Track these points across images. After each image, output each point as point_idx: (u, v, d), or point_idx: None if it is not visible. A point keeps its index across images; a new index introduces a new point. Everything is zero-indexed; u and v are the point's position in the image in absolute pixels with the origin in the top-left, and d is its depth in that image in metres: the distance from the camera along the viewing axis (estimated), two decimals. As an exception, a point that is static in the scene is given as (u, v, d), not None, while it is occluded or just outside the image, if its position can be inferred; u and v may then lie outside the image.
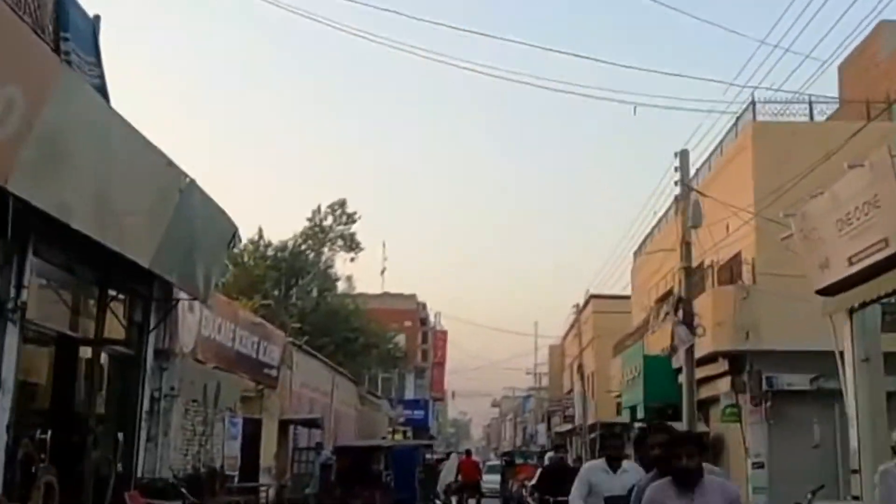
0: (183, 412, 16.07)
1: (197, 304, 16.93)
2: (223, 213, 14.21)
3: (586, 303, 45.44)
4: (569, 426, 52.60)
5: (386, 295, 68.31)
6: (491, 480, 35.43)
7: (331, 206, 43.85)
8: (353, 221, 44.03)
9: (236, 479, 19.66)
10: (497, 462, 44.77)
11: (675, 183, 21.46)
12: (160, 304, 15.08)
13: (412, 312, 72.37)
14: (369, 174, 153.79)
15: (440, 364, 76.77)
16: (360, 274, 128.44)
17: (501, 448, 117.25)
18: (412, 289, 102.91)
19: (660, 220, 31.28)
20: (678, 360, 22.11)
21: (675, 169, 21.36)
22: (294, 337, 30.28)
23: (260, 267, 40.80)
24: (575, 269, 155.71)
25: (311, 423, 25.90)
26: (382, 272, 70.41)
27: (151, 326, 15.07)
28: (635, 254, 38.24)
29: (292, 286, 41.63)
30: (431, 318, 76.38)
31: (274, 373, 24.35)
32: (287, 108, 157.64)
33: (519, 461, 37.31)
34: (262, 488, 18.57)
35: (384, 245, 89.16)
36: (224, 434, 19.03)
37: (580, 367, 44.24)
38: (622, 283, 46.98)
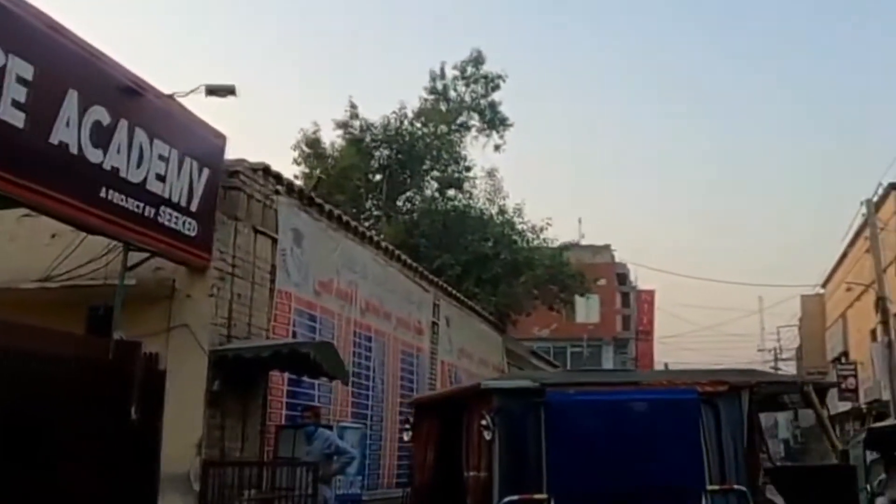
0: None
1: None
2: None
3: (883, 198, 27.74)
4: (847, 405, 34.72)
5: (571, 246, 51.93)
6: None
7: (460, 67, 28.46)
8: (496, 88, 28.45)
9: None
10: None
11: None
12: None
13: (607, 267, 55.76)
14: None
15: (647, 333, 59.53)
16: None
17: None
18: (604, 238, 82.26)
19: None
20: None
21: None
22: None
23: (349, 156, 26.01)
24: (833, 186, 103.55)
25: (304, 363, 10.27)
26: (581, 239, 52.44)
27: None
28: None
29: (403, 184, 26.58)
30: (632, 276, 59.38)
31: (174, 221, 9.26)
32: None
33: None
34: None
35: (580, 221, 71.99)
36: None
37: (881, 303, 26.58)
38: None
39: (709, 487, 7.23)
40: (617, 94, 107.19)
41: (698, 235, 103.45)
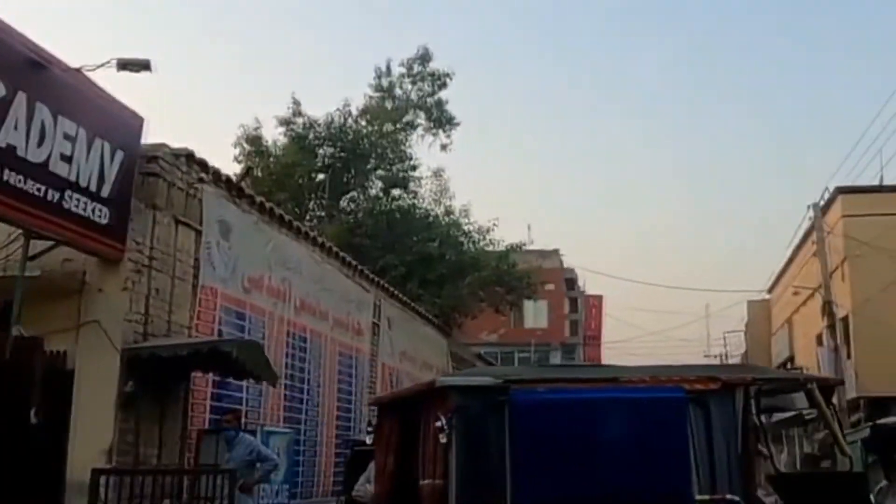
0: None
1: None
2: None
3: (830, 202, 27.72)
4: (792, 412, 34.66)
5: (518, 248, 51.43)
6: None
7: (406, 64, 27.87)
8: (444, 86, 27.92)
9: None
10: None
11: None
12: None
13: (555, 272, 55.34)
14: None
15: (594, 338, 59.38)
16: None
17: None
18: (553, 243, 79.03)
19: None
20: None
21: None
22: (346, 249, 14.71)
23: (292, 153, 25.24)
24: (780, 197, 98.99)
25: (227, 364, 9.60)
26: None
27: None
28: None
29: (347, 183, 25.88)
30: (580, 281, 59.16)
31: (82, 207, 8.47)
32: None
33: None
34: None
35: (529, 228, 71.08)
36: None
37: (827, 307, 26.53)
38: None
39: (697, 497, 6.41)
40: (567, 97, 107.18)
41: (646, 240, 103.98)
